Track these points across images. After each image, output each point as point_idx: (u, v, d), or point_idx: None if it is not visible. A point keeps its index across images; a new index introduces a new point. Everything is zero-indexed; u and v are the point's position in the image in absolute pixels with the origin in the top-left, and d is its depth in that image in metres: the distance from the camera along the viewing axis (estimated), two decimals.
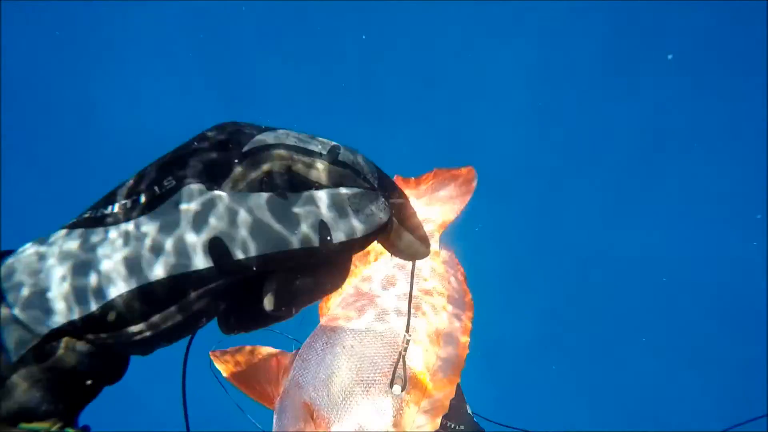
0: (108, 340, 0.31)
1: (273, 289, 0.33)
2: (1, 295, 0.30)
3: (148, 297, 0.31)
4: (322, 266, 0.35)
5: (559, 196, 3.66)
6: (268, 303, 0.33)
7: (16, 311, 0.30)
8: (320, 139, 0.35)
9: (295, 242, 0.32)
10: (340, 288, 0.37)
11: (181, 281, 0.31)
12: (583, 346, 3.79)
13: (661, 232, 3.66)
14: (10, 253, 0.33)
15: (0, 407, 0.29)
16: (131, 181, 0.33)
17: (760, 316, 3.53)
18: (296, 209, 0.32)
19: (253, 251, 0.31)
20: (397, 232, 0.36)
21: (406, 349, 0.52)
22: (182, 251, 0.31)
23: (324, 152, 0.34)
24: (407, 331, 0.52)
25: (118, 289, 0.30)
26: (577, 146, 3.60)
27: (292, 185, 0.33)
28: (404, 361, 0.53)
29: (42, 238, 0.32)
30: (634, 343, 3.77)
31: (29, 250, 0.32)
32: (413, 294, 0.52)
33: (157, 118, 3.49)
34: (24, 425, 0.30)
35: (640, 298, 3.75)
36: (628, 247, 3.65)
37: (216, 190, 0.32)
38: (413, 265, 0.42)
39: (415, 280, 0.56)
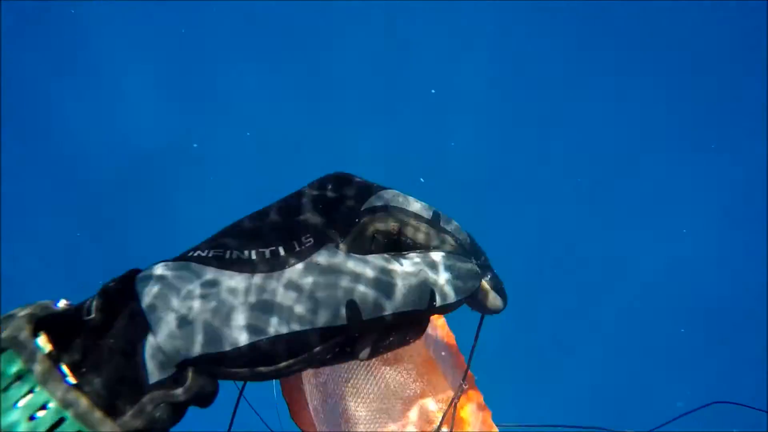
0: (222, 373, 0.33)
1: (372, 341, 0.35)
2: (147, 324, 0.31)
3: (294, 344, 0.32)
4: (412, 323, 0.37)
5: (547, 199, 3.66)
6: (364, 354, 0.36)
7: (161, 340, 0.31)
8: (422, 202, 0.38)
9: (422, 304, 0.34)
10: (417, 341, 0.39)
11: (324, 333, 0.33)
12: (584, 346, 3.79)
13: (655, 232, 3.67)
14: (138, 271, 0.34)
15: (128, 423, 0.30)
16: (258, 226, 0.35)
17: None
18: (409, 270, 0.34)
19: (389, 310, 0.33)
20: (485, 292, 0.39)
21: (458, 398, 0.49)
22: (329, 306, 0.32)
23: (429, 217, 0.37)
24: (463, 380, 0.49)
25: (274, 330, 0.32)
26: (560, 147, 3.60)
27: (399, 246, 0.36)
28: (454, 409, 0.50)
29: (181, 264, 0.33)
30: (634, 343, 3.77)
31: (174, 275, 0.32)
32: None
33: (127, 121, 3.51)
34: None
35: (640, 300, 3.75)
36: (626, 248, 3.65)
37: (341, 246, 0.34)
38: (481, 318, 0.43)
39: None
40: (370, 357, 0.36)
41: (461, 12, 3.43)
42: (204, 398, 0.33)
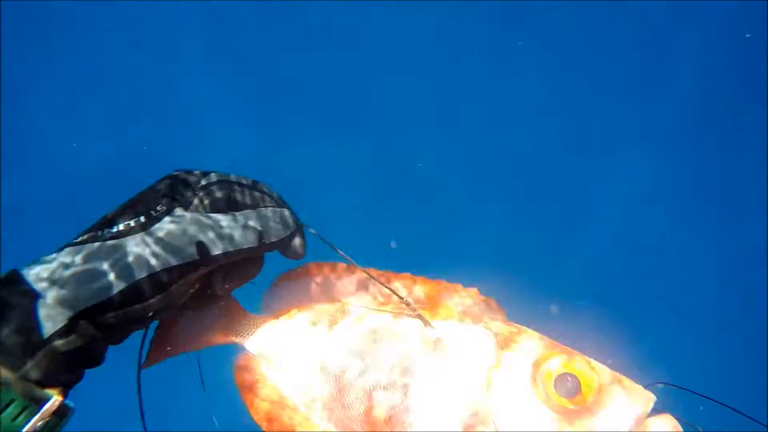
0: (110, 320, 0.41)
1: (221, 276, 0.49)
2: (34, 292, 0.39)
3: (156, 282, 0.42)
4: (249, 260, 0.49)
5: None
6: (219, 288, 0.49)
7: (48, 301, 0.38)
8: (242, 177, 0.52)
9: (245, 243, 0.46)
10: (255, 276, 0.52)
11: (183, 269, 0.43)
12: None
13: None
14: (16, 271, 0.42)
15: (30, 374, 0.37)
16: (118, 212, 0.45)
17: None
18: (243, 222, 0.47)
19: (231, 247, 0.46)
20: (297, 239, 0.53)
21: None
22: (181, 249, 0.44)
23: (249, 183, 0.51)
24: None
25: (142, 273, 0.42)
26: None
27: (232, 206, 0.48)
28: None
29: (51, 254, 0.43)
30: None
31: (53, 258, 0.42)
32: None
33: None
34: (41, 390, 0.38)
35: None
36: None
37: (189, 212, 0.46)
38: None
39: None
40: (224, 291, 0.49)
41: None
42: (90, 353, 0.41)
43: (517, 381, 0.46)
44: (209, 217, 0.46)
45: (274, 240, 0.49)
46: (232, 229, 0.46)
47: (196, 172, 0.49)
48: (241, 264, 0.49)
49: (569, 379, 0.46)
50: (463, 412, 0.46)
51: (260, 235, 0.48)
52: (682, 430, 0.50)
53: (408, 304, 0.50)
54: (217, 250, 0.45)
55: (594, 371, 0.48)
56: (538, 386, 0.45)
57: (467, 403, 0.46)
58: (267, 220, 0.49)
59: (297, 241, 0.52)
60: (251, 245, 0.47)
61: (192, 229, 0.44)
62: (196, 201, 0.46)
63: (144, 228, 0.43)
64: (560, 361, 0.47)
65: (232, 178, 0.50)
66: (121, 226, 0.43)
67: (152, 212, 0.44)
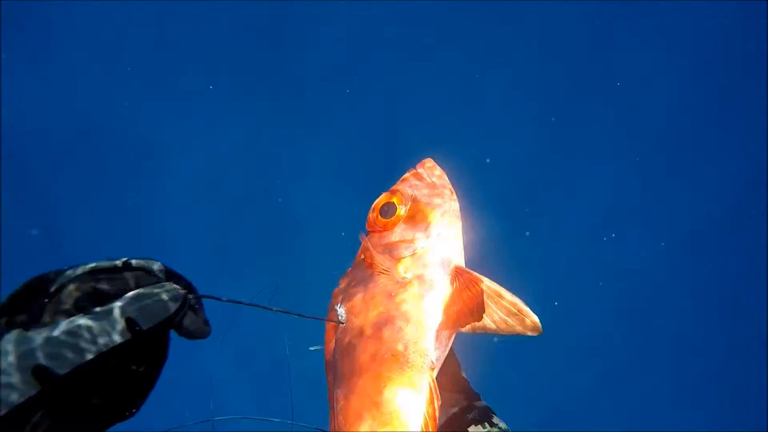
0: None
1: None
2: None
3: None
4: (143, 355, 0.44)
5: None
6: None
7: None
8: (115, 260, 0.46)
9: (110, 340, 0.41)
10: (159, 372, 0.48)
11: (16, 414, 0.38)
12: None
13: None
14: None
15: None
16: None
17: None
18: (106, 317, 0.41)
19: (66, 367, 0.39)
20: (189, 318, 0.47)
21: None
22: (6, 388, 0.38)
23: (120, 264, 0.45)
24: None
25: None
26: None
27: (98, 301, 0.43)
28: None
29: None
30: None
31: None
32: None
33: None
34: None
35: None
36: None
37: (32, 330, 0.40)
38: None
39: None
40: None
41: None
42: None
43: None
44: (52, 330, 0.40)
45: (154, 323, 0.43)
46: (87, 334, 0.41)
47: (52, 274, 0.44)
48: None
49: (386, 207, 0.64)
50: None
51: (131, 324, 0.42)
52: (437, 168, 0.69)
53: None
54: (64, 368, 0.39)
55: (393, 194, 0.66)
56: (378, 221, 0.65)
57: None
58: (139, 303, 0.43)
59: (189, 318, 0.46)
60: (119, 339, 0.41)
61: (15, 356, 0.39)
62: (45, 315, 0.42)
63: None
64: (376, 202, 0.65)
65: (101, 265, 0.45)
66: None
67: None
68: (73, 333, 0.40)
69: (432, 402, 0.55)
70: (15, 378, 0.38)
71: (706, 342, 3.71)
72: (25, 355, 0.39)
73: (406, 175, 0.67)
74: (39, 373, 0.38)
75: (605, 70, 3.45)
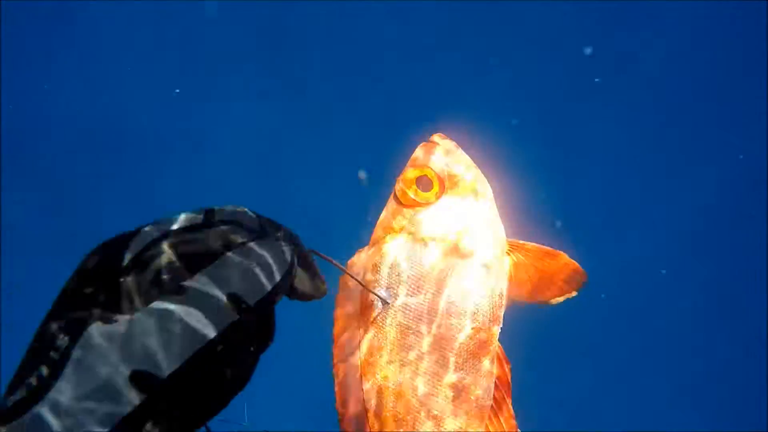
0: None
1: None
2: None
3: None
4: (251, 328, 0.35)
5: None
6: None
7: None
8: (185, 213, 0.36)
9: (210, 330, 0.32)
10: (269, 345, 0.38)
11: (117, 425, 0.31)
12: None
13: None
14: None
15: None
16: (32, 351, 0.33)
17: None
18: (203, 295, 0.32)
19: (171, 366, 0.31)
20: (300, 279, 0.38)
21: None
22: (109, 395, 0.31)
23: (201, 220, 0.35)
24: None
25: None
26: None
27: (190, 268, 0.34)
28: None
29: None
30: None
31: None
32: None
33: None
34: None
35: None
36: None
37: (116, 319, 0.32)
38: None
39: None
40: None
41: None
42: None
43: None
44: (134, 327, 0.31)
45: (260, 297, 0.34)
46: (177, 325, 0.32)
47: (125, 237, 0.35)
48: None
49: (423, 180, 0.61)
50: None
51: (235, 301, 0.33)
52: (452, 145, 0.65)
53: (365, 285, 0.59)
54: (165, 370, 0.31)
55: (423, 168, 0.64)
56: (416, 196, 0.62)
57: None
58: (236, 272, 0.33)
59: (301, 276, 0.38)
60: (222, 324, 0.33)
61: (107, 367, 0.31)
62: (124, 302, 0.32)
63: (47, 388, 0.31)
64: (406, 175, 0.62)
65: (175, 223, 0.36)
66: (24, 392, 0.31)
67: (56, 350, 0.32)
68: (166, 329, 0.31)
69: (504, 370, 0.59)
70: (120, 382, 0.31)
71: (706, 342, 3.71)
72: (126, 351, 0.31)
73: (424, 147, 0.64)
74: (141, 377, 0.31)
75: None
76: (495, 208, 0.62)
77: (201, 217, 0.36)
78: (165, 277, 0.33)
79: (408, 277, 0.57)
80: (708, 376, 3.63)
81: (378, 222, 0.61)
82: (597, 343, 3.75)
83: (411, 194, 0.60)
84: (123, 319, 0.32)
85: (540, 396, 3.73)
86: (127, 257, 0.34)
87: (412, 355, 0.56)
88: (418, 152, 0.63)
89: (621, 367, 3.78)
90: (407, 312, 0.57)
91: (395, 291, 0.57)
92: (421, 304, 0.57)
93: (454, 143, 0.64)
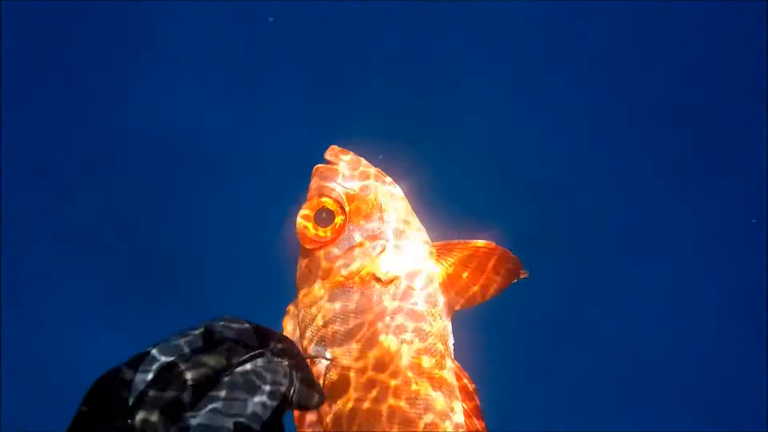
0: None
1: None
2: None
3: None
4: None
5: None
6: None
7: None
8: (184, 336, 0.38)
9: None
10: None
11: None
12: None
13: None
14: None
15: None
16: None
17: None
18: (213, 429, 0.34)
19: None
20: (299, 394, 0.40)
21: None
22: None
23: (201, 343, 0.37)
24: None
25: None
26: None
27: (196, 395, 0.36)
28: None
29: None
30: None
31: None
32: None
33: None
34: None
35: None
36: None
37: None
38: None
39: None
40: None
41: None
42: None
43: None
44: None
45: (265, 419, 0.36)
46: None
47: (117, 377, 0.36)
48: None
49: (319, 216, 0.55)
50: None
51: (244, 429, 0.35)
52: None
53: None
54: None
55: (320, 198, 0.58)
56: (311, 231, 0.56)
57: None
58: (240, 401, 0.35)
59: (299, 390, 0.40)
60: None
61: None
62: None
63: None
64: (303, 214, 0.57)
65: (176, 350, 0.37)
66: None
67: None
68: None
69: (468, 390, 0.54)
70: None
71: (707, 341, 3.71)
72: None
73: (316, 172, 0.58)
74: None
75: None
76: (408, 214, 0.57)
77: (200, 340, 0.37)
78: (170, 412, 0.35)
79: (335, 329, 0.53)
80: (708, 376, 3.63)
81: (297, 276, 0.56)
82: (597, 342, 3.75)
83: (312, 234, 0.55)
84: None
85: (536, 395, 3.73)
86: (132, 396, 0.35)
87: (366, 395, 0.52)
88: (312, 182, 0.57)
89: (621, 366, 3.77)
90: (348, 357, 0.53)
91: (330, 343, 0.53)
92: (359, 344, 0.53)
93: (348, 154, 0.59)
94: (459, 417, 0.53)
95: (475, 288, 0.54)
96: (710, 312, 3.69)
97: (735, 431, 3.38)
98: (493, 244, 0.55)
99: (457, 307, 0.56)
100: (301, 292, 0.56)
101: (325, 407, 0.53)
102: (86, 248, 3.37)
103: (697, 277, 3.65)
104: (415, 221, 0.59)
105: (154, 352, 0.36)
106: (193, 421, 0.34)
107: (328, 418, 0.53)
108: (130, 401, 0.34)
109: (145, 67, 3.43)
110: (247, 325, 0.39)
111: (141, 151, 3.41)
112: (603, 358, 3.78)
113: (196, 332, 0.37)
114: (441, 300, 0.56)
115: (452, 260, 0.55)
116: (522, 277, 0.57)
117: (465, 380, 0.54)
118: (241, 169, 3.48)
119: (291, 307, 0.57)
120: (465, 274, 0.55)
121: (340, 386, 0.53)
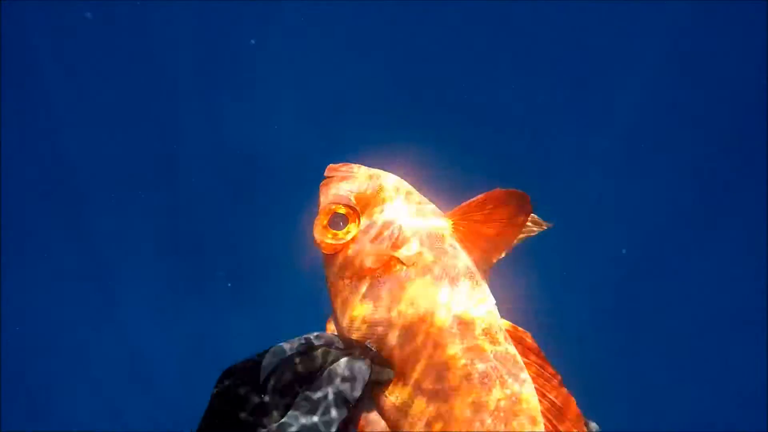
0: None
1: None
2: None
3: None
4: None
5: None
6: None
7: None
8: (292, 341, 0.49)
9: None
10: None
11: None
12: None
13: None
14: None
15: None
16: None
17: None
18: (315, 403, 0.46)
19: None
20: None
21: None
22: None
23: (302, 348, 0.49)
24: None
25: None
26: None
27: (301, 384, 0.47)
28: None
29: None
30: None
31: None
32: None
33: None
34: None
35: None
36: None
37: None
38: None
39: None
40: None
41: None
42: None
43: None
44: None
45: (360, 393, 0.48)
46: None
47: (249, 365, 0.48)
48: None
49: (333, 221, 0.58)
50: None
51: (341, 397, 0.47)
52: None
53: None
54: None
55: (329, 206, 0.60)
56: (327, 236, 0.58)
57: None
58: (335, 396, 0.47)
59: (376, 371, 0.50)
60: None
61: None
62: (269, 418, 0.45)
63: None
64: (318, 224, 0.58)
65: (288, 352, 0.48)
66: None
67: None
68: None
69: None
70: None
71: (706, 341, 3.71)
72: None
73: (321, 189, 0.60)
74: None
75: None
76: (415, 194, 0.58)
77: (305, 344, 0.49)
78: (287, 395, 0.46)
79: (375, 320, 0.53)
80: (708, 376, 3.63)
81: (328, 288, 0.57)
82: (591, 338, 3.75)
83: (330, 240, 0.56)
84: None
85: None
86: (262, 379, 0.45)
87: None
88: (320, 197, 0.59)
89: (619, 365, 3.77)
90: (398, 344, 0.53)
91: (380, 337, 0.53)
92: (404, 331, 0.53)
93: (346, 165, 0.60)
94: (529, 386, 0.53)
95: (494, 234, 0.55)
96: (709, 312, 3.69)
97: (735, 431, 3.38)
98: (496, 189, 0.55)
99: (490, 264, 0.57)
100: (337, 301, 0.56)
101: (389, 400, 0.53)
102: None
103: (699, 278, 3.65)
104: (424, 199, 0.59)
105: (268, 356, 0.47)
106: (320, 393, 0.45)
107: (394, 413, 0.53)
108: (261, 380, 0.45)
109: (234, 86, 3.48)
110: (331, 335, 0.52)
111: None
112: (603, 358, 3.78)
113: (300, 342, 0.49)
114: (470, 266, 0.56)
115: (465, 221, 0.57)
116: (546, 227, 0.59)
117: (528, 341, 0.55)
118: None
119: (329, 325, 0.58)
120: (481, 227, 0.56)
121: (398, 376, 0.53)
